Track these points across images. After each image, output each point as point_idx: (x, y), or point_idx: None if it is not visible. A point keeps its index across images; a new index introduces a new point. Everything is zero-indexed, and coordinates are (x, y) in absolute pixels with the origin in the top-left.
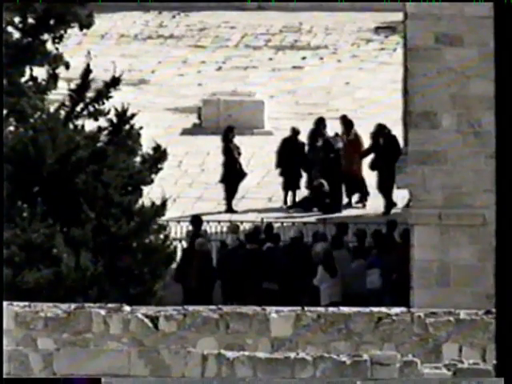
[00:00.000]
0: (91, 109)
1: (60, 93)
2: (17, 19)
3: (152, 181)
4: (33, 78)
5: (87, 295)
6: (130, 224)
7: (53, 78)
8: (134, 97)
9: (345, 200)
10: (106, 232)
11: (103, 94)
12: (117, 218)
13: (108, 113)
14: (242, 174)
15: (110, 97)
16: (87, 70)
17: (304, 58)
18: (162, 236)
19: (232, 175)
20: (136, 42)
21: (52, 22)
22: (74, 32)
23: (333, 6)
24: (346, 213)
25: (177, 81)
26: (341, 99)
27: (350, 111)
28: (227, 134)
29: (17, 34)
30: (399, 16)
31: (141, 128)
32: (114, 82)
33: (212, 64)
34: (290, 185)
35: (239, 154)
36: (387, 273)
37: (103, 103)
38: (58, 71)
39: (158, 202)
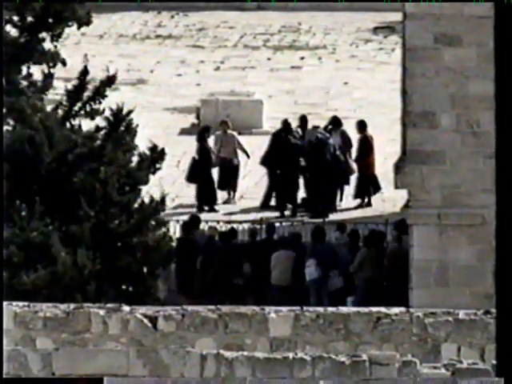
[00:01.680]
0: (88, 108)
1: (58, 93)
2: (15, 17)
3: (148, 181)
4: (30, 77)
5: (85, 293)
6: (130, 221)
7: (48, 77)
8: (133, 96)
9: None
10: (105, 230)
11: (99, 92)
12: (116, 216)
13: (103, 112)
14: (210, 174)
15: (106, 96)
16: (84, 72)
17: (302, 58)
18: (160, 233)
19: (204, 175)
20: (134, 42)
21: (50, 20)
22: (72, 32)
23: (332, 6)
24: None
25: (175, 81)
26: (339, 99)
27: (348, 111)
28: (203, 134)
29: (15, 32)
30: (398, 16)
31: (137, 126)
32: (110, 80)
33: (210, 64)
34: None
35: (213, 153)
36: (323, 262)
37: (100, 102)
38: (56, 71)
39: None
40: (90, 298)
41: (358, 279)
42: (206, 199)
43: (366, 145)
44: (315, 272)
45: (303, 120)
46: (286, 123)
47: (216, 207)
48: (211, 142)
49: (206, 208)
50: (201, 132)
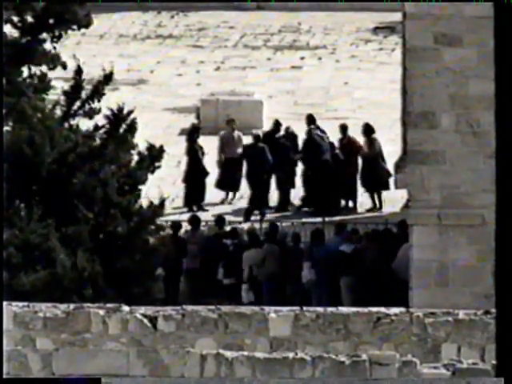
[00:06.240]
0: (86, 108)
1: (58, 93)
2: (15, 18)
3: (146, 180)
4: (31, 78)
5: (84, 295)
6: (129, 224)
7: (43, 78)
8: (133, 97)
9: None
10: (104, 232)
11: (98, 91)
12: (115, 218)
13: (100, 111)
14: (204, 174)
15: (104, 94)
16: (79, 71)
17: (303, 58)
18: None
19: (194, 175)
20: (135, 42)
21: (51, 21)
22: (72, 32)
23: (332, 6)
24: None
25: (175, 81)
26: (339, 99)
27: (348, 111)
28: (192, 134)
29: (15, 33)
30: (398, 16)
31: (136, 124)
32: (107, 79)
33: (211, 64)
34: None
35: (203, 154)
36: (318, 264)
37: (98, 101)
38: (56, 71)
39: (155, 202)
40: (89, 300)
41: (260, 275)
42: (194, 199)
43: (348, 149)
44: (309, 274)
45: (310, 119)
46: (276, 123)
47: (214, 207)
48: (201, 141)
49: (195, 208)
50: (190, 132)
